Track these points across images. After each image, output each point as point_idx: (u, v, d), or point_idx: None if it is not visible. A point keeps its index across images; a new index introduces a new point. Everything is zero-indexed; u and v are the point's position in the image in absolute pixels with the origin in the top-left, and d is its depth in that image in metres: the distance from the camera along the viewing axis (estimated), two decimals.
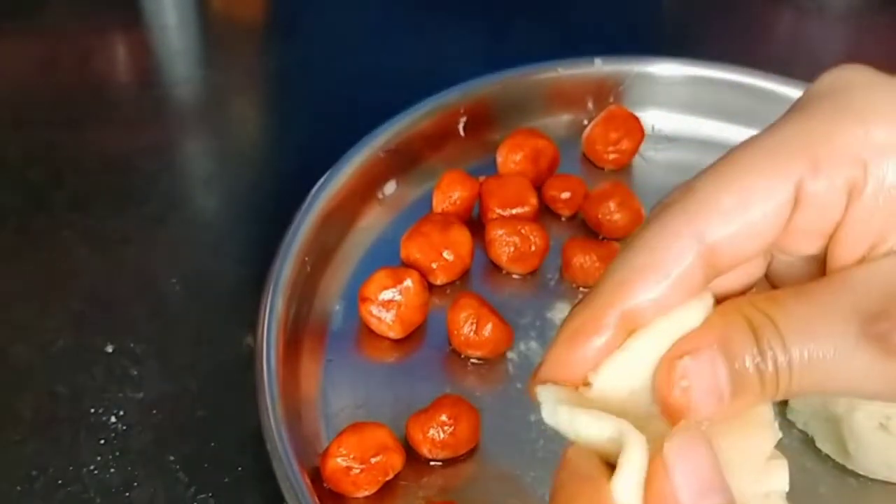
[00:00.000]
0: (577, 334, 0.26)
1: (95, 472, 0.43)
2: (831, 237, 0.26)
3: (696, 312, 0.26)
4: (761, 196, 0.25)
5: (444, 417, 0.42)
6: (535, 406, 0.45)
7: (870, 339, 0.24)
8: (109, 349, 0.48)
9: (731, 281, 0.27)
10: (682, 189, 0.26)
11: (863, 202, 0.25)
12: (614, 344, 0.25)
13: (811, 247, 0.27)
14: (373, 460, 0.41)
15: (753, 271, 0.28)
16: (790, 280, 0.28)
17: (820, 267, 0.27)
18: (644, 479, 0.23)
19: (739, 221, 0.25)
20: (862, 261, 0.26)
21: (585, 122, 0.58)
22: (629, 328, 0.25)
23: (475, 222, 0.52)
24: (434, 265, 0.49)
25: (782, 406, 0.45)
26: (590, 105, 0.59)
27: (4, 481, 0.43)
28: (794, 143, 0.26)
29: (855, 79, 0.27)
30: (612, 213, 0.52)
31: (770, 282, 0.29)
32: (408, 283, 0.47)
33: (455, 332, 0.46)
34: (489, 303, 0.47)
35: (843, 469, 0.43)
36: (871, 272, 0.25)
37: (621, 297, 0.25)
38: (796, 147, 0.25)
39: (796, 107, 0.27)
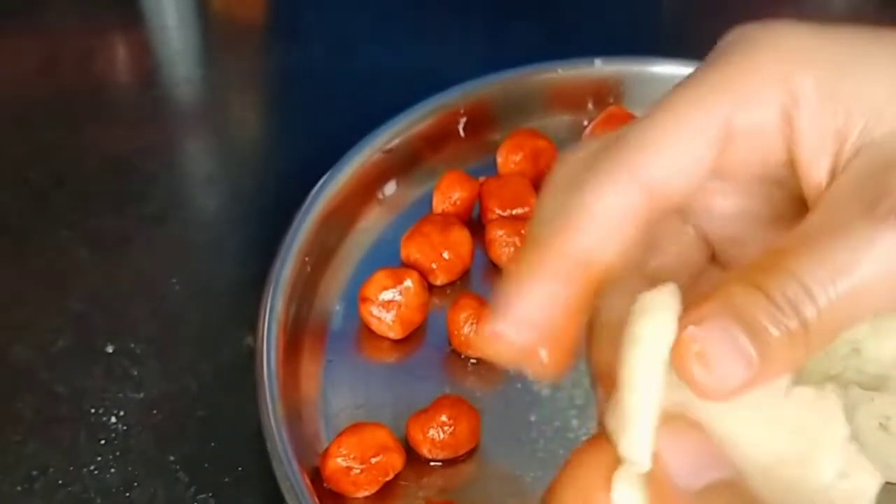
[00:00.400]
0: (523, 281, 0.24)
1: (95, 472, 0.43)
2: (795, 166, 0.26)
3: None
4: (691, 132, 0.25)
5: (444, 418, 0.42)
6: (535, 406, 0.45)
7: (887, 223, 0.23)
8: (109, 349, 0.48)
9: (671, 265, 0.27)
10: (611, 137, 0.26)
11: (801, 117, 0.25)
12: (564, 295, 0.24)
13: (754, 188, 0.27)
14: (373, 460, 0.41)
15: (693, 254, 0.28)
16: (742, 257, 0.28)
17: (767, 228, 0.27)
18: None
19: (671, 157, 0.25)
20: (832, 175, 0.25)
21: (585, 122, 0.58)
22: (580, 278, 0.24)
23: (475, 223, 0.52)
24: (434, 265, 0.49)
25: None
26: (590, 105, 0.59)
27: (4, 481, 0.43)
28: (716, 81, 0.26)
29: (758, 25, 0.28)
30: None
31: (701, 232, 0.28)
32: (408, 283, 0.47)
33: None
34: (489, 303, 0.47)
35: None
36: (850, 177, 0.25)
37: (566, 243, 0.24)
38: (719, 84, 0.26)
39: (711, 57, 0.27)
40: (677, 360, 0.22)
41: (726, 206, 0.28)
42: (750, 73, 0.26)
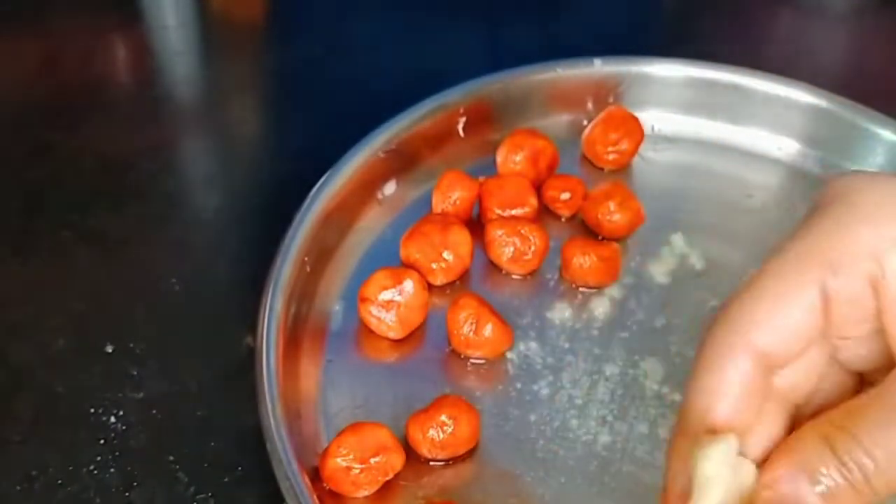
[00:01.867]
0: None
1: (95, 472, 0.43)
2: (885, 333, 0.30)
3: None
4: (791, 301, 0.29)
5: (443, 417, 0.42)
6: (535, 406, 0.45)
7: None
8: (109, 349, 0.48)
9: (798, 376, 0.31)
10: (726, 303, 0.31)
11: (887, 290, 0.29)
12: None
13: (862, 331, 0.30)
14: (372, 460, 0.41)
15: (813, 365, 0.32)
16: (865, 360, 0.32)
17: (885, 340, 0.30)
18: None
19: (778, 327, 0.29)
20: None
21: (585, 122, 0.58)
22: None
23: (475, 223, 0.52)
24: (434, 265, 0.49)
25: None
26: (589, 105, 0.59)
27: (4, 481, 0.43)
28: (812, 249, 0.30)
29: (860, 182, 0.31)
30: (611, 214, 0.52)
31: (845, 367, 0.32)
32: (407, 283, 0.47)
33: (455, 333, 0.46)
34: (489, 303, 0.47)
35: None
36: None
37: (706, 420, 0.30)
38: (815, 253, 0.29)
39: (811, 214, 0.31)
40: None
41: (853, 347, 0.32)
42: (844, 243, 0.29)
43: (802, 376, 0.31)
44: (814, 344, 0.30)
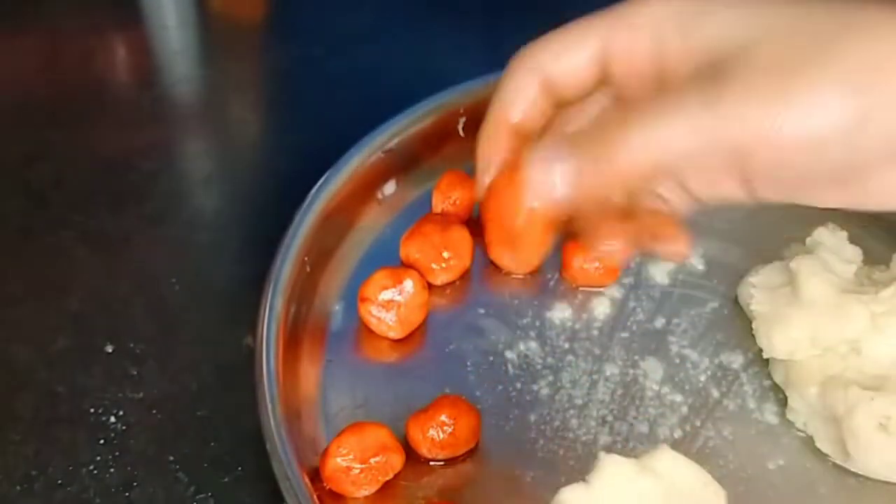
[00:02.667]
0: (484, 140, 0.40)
1: (95, 472, 0.43)
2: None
3: None
4: (578, 47, 0.37)
5: (443, 417, 0.42)
6: (535, 406, 0.45)
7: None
8: (109, 349, 0.48)
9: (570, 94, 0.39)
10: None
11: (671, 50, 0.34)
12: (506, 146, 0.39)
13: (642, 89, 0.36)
14: (372, 460, 0.41)
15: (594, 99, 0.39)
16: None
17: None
18: None
19: (562, 62, 0.37)
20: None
21: None
22: (511, 136, 0.39)
23: (475, 222, 0.52)
24: (434, 265, 0.49)
25: (782, 406, 0.45)
26: None
27: (4, 481, 0.43)
28: (607, 12, 0.37)
29: None
30: None
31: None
32: (407, 283, 0.47)
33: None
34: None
35: (842, 469, 0.43)
36: None
37: (506, 118, 0.39)
38: (607, 15, 0.37)
39: None
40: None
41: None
42: (634, 9, 0.36)
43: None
44: (595, 85, 0.37)
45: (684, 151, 0.31)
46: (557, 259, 0.51)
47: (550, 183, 0.34)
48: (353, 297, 0.48)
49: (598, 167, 0.33)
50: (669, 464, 0.37)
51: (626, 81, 0.36)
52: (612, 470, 0.36)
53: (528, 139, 0.38)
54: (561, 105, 0.39)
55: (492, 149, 0.39)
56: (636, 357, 0.47)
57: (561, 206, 0.34)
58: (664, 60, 0.34)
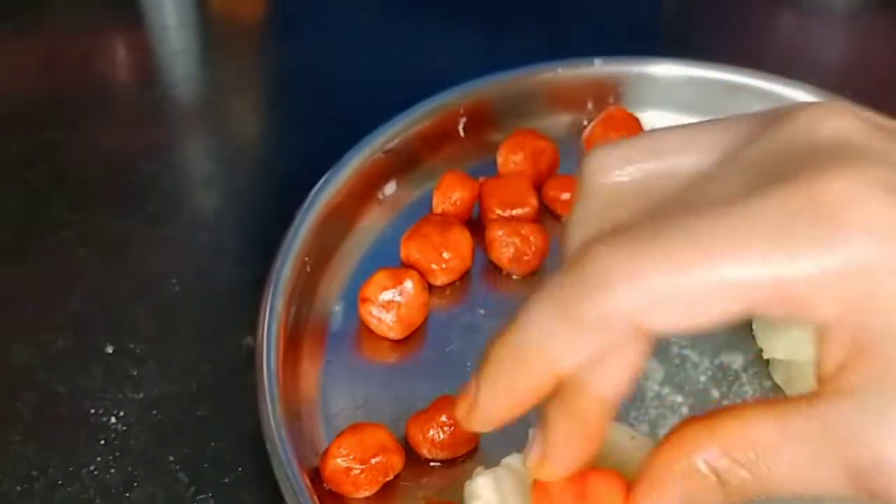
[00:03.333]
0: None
1: (95, 472, 0.43)
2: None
3: None
4: None
5: (443, 418, 0.42)
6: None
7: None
8: (109, 349, 0.48)
9: None
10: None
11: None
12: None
13: None
14: (373, 461, 0.41)
15: None
16: None
17: None
18: None
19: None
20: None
21: (585, 122, 0.58)
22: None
23: (475, 223, 0.52)
24: (434, 266, 0.49)
25: (765, 368, 0.46)
26: (590, 106, 0.59)
27: (4, 481, 0.43)
28: None
29: None
30: None
31: None
32: (408, 283, 0.47)
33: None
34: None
35: None
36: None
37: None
38: None
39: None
40: None
41: None
42: None
43: None
44: None
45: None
46: (557, 259, 0.50)
47: None
48: (353, 298, 0.48)
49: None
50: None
51: None
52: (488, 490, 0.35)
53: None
54: None
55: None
56: None
57: None
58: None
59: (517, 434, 0.44)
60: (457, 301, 0.50)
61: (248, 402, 0.42)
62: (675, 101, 0.59)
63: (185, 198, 0.57)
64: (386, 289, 0.46)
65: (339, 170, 0.51)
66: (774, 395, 0.46)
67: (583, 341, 0.25)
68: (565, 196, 0.53)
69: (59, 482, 0.43)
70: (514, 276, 0.51)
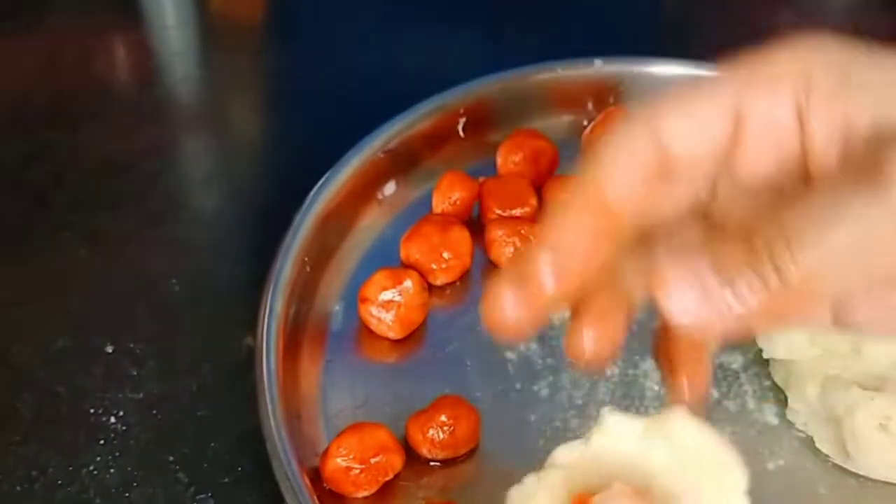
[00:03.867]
0: (559, 212, 0.27)
1: (95, 472, 0.43)
2: (807, 158, 0.27)
3: None
4: (704, 105, 0.27)
5: (443, 418, 0.42)
6: (535, 406, 0.45)
7: (876, 186, 0.24)
8: (109, 349, 0.48)
9: (676, 196, 0.29)
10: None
11: (814, 109, 0.26)
12: (590, 224, 0.27)
13: (763, 167, 0.28)
14: (373, 461, 0.41)
15: (696, 192, 0.29)
16: (735, 215, 0.29)
17: (769, 198, 0.28)
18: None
19: (685, 121, 0.27)
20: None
21: (585, 122, 0.58)
22: (601, 211, 0.27)
23: (475, 223, 0.52)
24: (434, 266, 0.49)
25: (782, 406, 0.45)
26: (590, 106, 0.59)
27: (4, 481, 0.43)
28: (734, 72, 0.28)
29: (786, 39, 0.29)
30: None
31: (711, 221, 0.30)
32: (407, 283, 0.47)
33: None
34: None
35: (842, 469, 0.43)
36: (854, 159, 0.26)
37: (600, 190, 0.27)
38: (736, 74, 0.27)
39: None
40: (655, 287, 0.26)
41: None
42: (766, 65, 0.27)
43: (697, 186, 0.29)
44: (716, 164, 0.28)
45: (871, 273, 0.25)
46: None
47: (695, 310, 0.25)
48: (353, 298, 0.48)
49: (766, 292, 0.24)
50: (680, 426, 0.32)
51: (759, 158, 0.28)
52: (615, 428, 0.32)
53: (615, 234, 0.27)
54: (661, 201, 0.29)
55: (575, 232, 0.27)
56: (636, 357, 0.47)
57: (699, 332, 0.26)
58: (815, 132, 0.27)
59: (517, 434, 0.44)
60: (457, 301, 0.50)
61: (248, 402, 0.42)
62: None
63: (185, 198, 0.57)
64: (386, 289, 0.46)
65: (339, 170, 0.51)
66: (774, 396, 0.46)
67: None
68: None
69: (59, 482, 0.43)
70: None
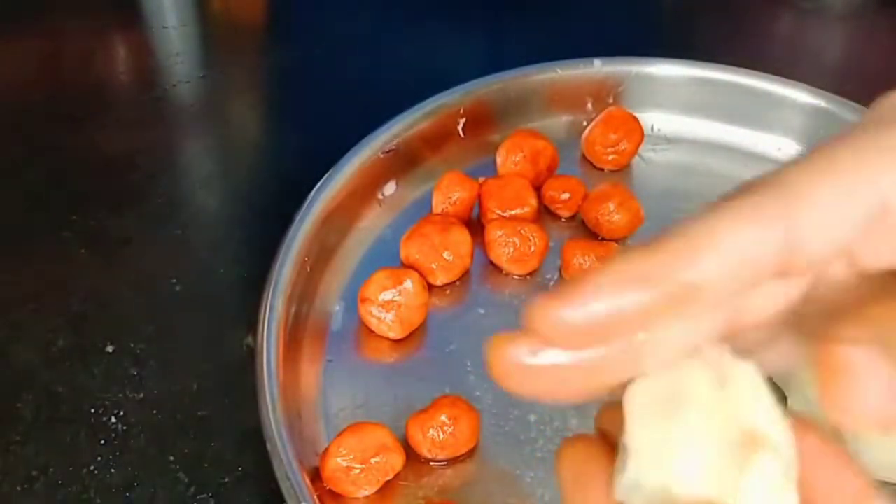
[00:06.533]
0: (610, 279, 0.22)
1: (95, 472, 0.43)
2: None
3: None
4: (850, 192, 0.22)
5: (443, 418, 0.42)
6: (535, 406, 0.45)
7: None
8: (109, 349, 0.48)
9: (763, 303, 0.24)
10: (766, 180, 0.22)
11: None
12: (646, 308, 0.21)
13: (885, 261, 0.24)
14: (373, 460, 0.41)
15: (792, 293, 0.25)
16: (837, 304, 0.25)
17: (875, 286, 0.24)
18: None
19: (832, 216, 0.22)
20: None
21: (585, 122, 0.58)
22: (674, 303, 0.21)
23: (475, 223, 0.52)
24: (434, 266, 0.49)
25: (782, 406, 0.45)
26: (589, 106, 0.59)
27: (4, 481, 0.43)
28: (884, 147, 0.23)
29: None
30: (611, 214, 0.52)
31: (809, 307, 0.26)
32: (407, 283, 0.47)
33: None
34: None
35: None
36: None
37: (682, 265, 0.21)
38: (887, 152, 0.22)
39: (873, 118, 0.24)
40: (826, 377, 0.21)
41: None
42: None
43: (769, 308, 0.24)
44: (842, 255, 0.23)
45: None
46: (557, 259, 0.51)
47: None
48: (353, 298, 0.48)
49: None
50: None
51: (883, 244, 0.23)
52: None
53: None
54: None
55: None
56: None
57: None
58: None
59: (517, 434, 0.44)
60: (457, 301, 0.50)
61: (248, 402, 0.42)
62: (675, 101, 0.59)
63: (185, 198, 0.57)
64: (386, 289, 0.47)
65: (339, 170, 0.51)
66: (774, 396, 0.46)
67: None
68: (565, 196, 0.53)
69: (59, 482, 0.43)
70: (514, 276, 0.51)
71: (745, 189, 0.22)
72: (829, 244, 0.22)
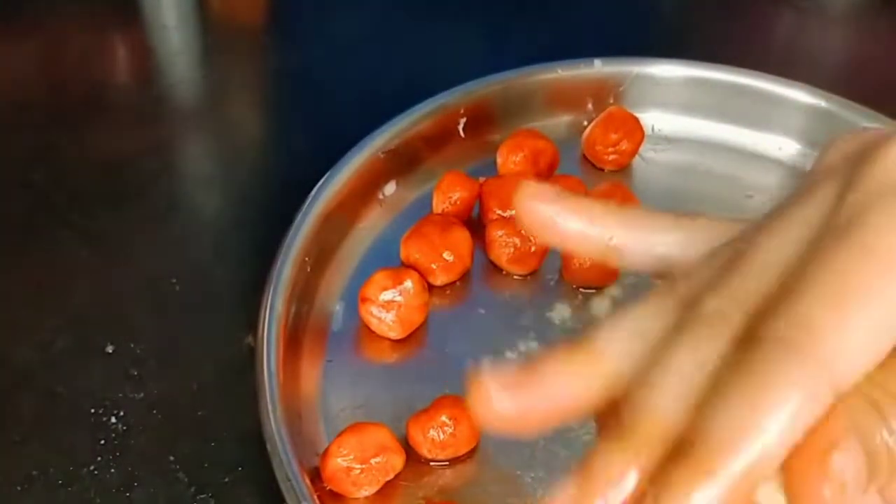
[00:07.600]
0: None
1: (95, 472, 0.43)
2: None
3: None
4: (882, 330, 0.21)
5: (444, 418, 0.42)
6: None
7: None
8: (109, 349, 0.48)
9: None
10: (791, 322, 0.21)
11: None
12: None
13: None
14: (373, 461, 0.41)
15: None
16: None
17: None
18: None
19: (867, 356, 0.21)
20: None
21: (585, 122, 0.58)
22: None
23: (475, 223, 0.52)
24: (434, 266, 0.49)
25: None
26: (589, 106, 0.59)
27: (4, 481, 0.43)
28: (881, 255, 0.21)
29: None
30: None
31: None
32: (408, 283, 0.47)
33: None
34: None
35: None
36: None
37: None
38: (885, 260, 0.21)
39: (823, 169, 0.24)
40: (813, 485, 0.20)
41: None
42: None
43: None
44: None
45: None
46: (557, 259, 0.51)
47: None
48: (353, 298, 0.48)
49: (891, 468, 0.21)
50: None
51: None
52: None
53: None
54: None
55: None
56: None
57: None
58: None
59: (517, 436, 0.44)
60: (457, 301, 0.50)
61: (248, 402, 0.42)
62: (675, 101, 0.59)
63: (185, 198, 0.57)
64: (386, 289, 0.47)
65: (339, 170, 0.51)
66: None
67: None
68: None
69: (60, 482, 0.43)
70: (514, 276, 0.51)
71: (771, 335, 0.21)
72: (861, 374, 0.21)
